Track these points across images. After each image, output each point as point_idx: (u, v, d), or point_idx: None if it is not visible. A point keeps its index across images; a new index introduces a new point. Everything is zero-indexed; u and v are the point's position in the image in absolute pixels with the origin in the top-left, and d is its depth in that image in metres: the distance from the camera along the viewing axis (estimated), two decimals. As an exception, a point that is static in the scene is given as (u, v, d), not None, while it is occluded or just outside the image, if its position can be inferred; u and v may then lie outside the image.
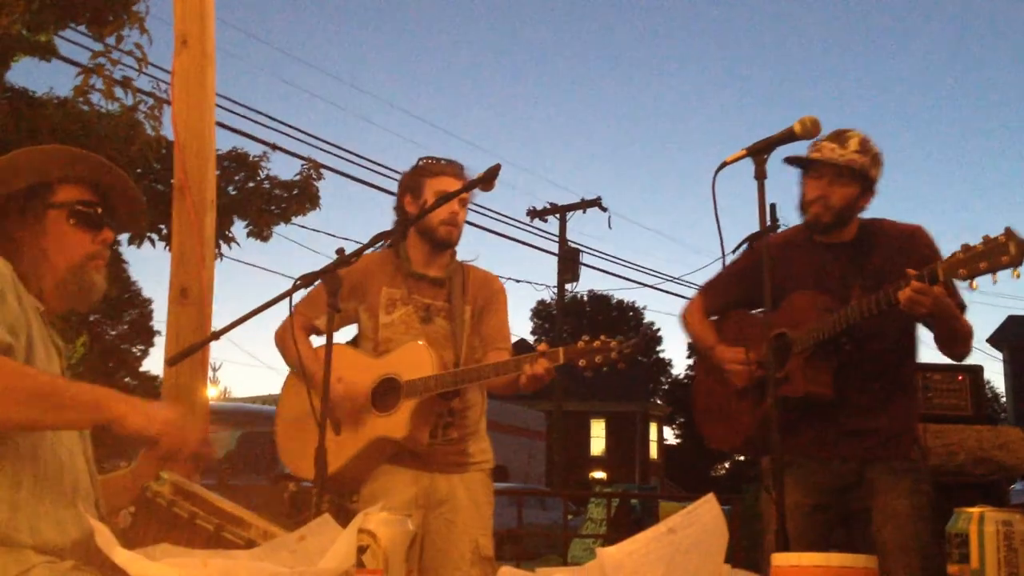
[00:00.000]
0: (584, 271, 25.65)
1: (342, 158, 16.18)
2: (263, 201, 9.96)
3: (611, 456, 39.80)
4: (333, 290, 2.50)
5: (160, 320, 26.93)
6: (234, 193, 9.87)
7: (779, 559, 1.39)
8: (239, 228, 9.89)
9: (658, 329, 43.25)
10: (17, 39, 7.67)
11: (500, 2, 77.48)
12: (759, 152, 2.33)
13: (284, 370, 3.31)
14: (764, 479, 2.47)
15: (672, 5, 77.60)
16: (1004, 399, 35.13)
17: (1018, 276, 2.36)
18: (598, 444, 40.77)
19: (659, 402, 43.96)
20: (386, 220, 3.33)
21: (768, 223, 2.37)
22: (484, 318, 3.25)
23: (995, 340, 31.12)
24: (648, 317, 45.81)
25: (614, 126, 79.71)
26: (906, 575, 2.79)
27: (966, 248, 2.47)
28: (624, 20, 76.82)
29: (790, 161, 2.96)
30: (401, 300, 3.19)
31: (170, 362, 3.37)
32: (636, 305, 46.61)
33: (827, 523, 2.98)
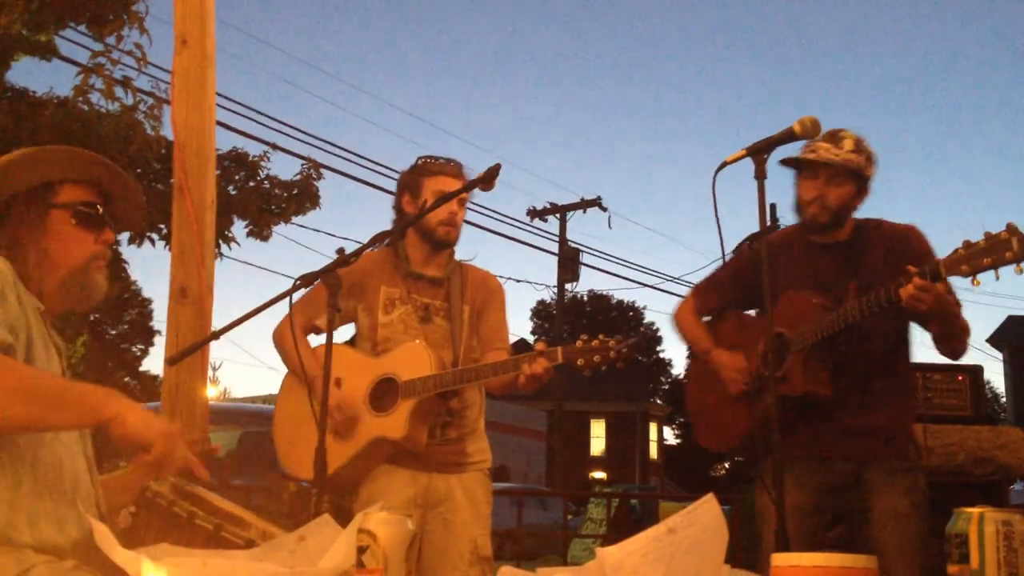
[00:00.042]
0: (584, 271, 25.72)
1: (342, 158, 16.20)
2: (263, 201, 9.96)
3: (611, 456, 39.80)
4: (333, 290, 2.50)
5: (160, 320, 26.98)
6: (234, 193, 9.87)
7: (779, 559, 1.39)
8: (239, 228, 9.89)
9: (658, 329, 43.24)
10: (17, 39, 7.67)
11: (500, 2, 77.51)
12: (759, 152, 2.33)
13: (284, 370, 3.31)
14: (764, 479, 2.46)
15: (672, 5, 77.63)
16: (1004, 399, 35.13)
17: (1021, 271, 2.36)
18: (598, 444, 40.77)
19: (659, 402, 43.94)
20: (386, 220, 3.33)
21: (768, 223, 2.37)
22: (483, 318, 3.25)
23: (995, 340, 31.12)
24: (648, 317, 45.80)
25: (614, 126, 79.75)
26: (905, 575, 2.79)
27: (967, 244, 2.47)
28: (624, 20, 76.87)
29: (786, 163, 2.97)
30: (400, 300, 3.19)
31: (170, 362, 3.37)
32: (636, 305, 46.64)
33: (825, 523, 2.99)
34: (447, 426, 3.16)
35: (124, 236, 8.86)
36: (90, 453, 1.92)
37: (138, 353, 31.44)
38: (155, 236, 9.03)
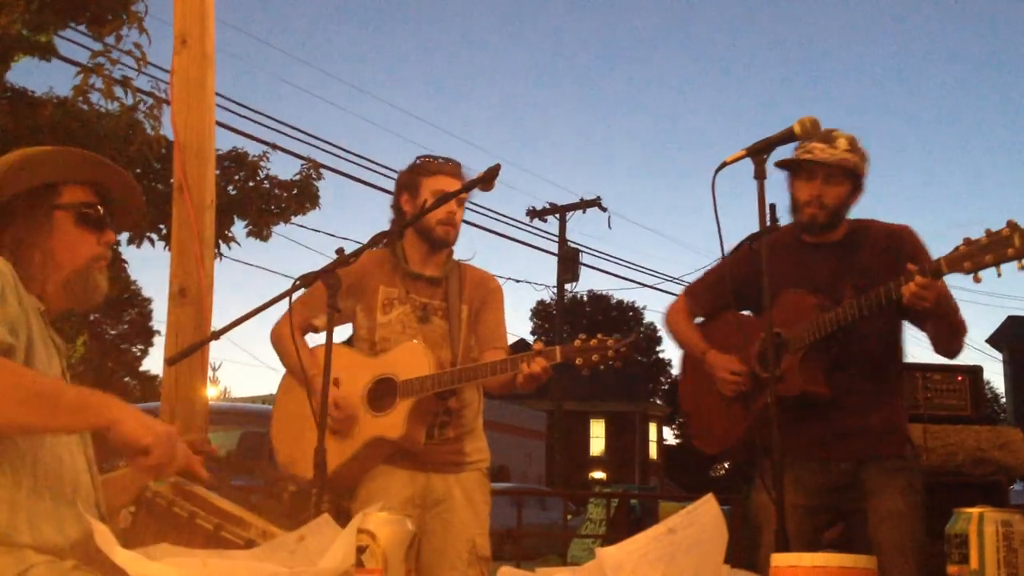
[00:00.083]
0: (584, 271, 25.70)
1: (342, 158, 16.17)
2: (263, 201, 9.97)
3: (611, 456, 39.80)
4: (333, 290, 2.49)
5: (160, 320, 27.01)
6: (234, 193, 9.87)
7: (778, 559, 1.39)
8: (239, 228, 9.90)
9: (657, 329, 43.22)
10: (17, 39, 7.67)
11: (500, 2, 77.51)
12: (759, 152, 2.33)
13: (284, 370, 3.31)
14: (763, 479, 2.46)
15: (672, 5, 77.63)
16: (1004, 399, 35.13)
17: (1022, 268, 2.36)
18: (598, 444, 40.78)
19: (659, 402, 43.95)
20: (386, 220, 3.33)
21: (768, 223, 2.37)
22: (481, 317, 3.25)
23: (995, 340, 31.10)
24: (648, 317, 45.79)
25: (614, 126, 79.76)
26: (904, 574, 2.79)
27: (968, 242, 2.47)
28: (624, 20, 76.88)
29: (782, 164, 2.96)
30: (398, 299, 3.19)
31: (170, 362, 3.37)
32: (636, 305, 46.63)
33: (822, 523, 2.99)
34: (445, 426, 3.15)
35: (124, 236, 8.87)
36: (90, 453, 1.92)
37: (138, 353, 31.47)
38: (155, 236, 9.03)
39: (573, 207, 23.95)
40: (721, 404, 3.11)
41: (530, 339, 36.89)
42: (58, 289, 1.93)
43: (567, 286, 24.42)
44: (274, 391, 3.39)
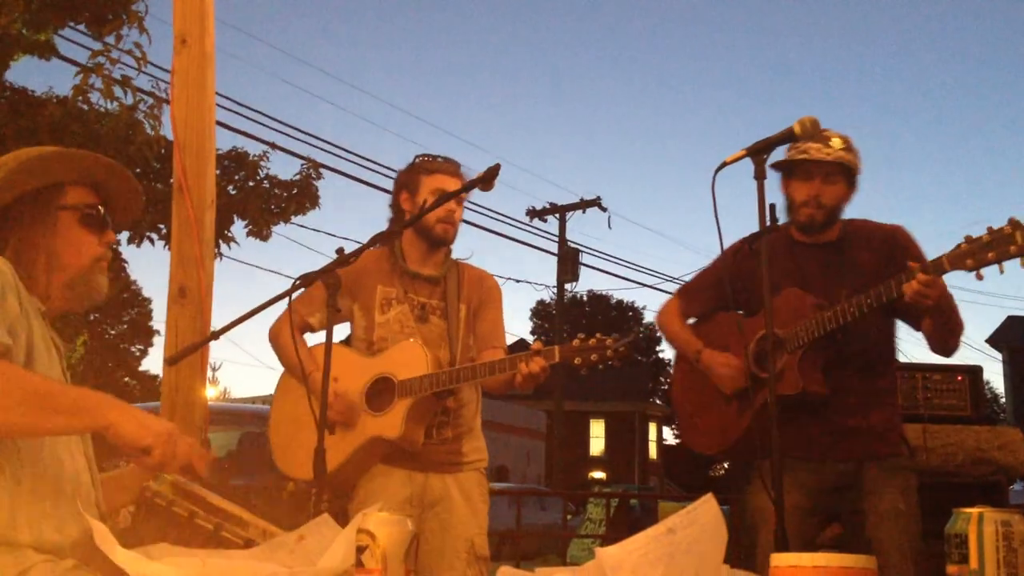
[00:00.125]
0: (584, 271, 25.69)
1: (342, 158, 16.21)
2: (263, 201, 9.96)
3: (610, 456, 39.79)
4: (333, 290, 2.49)
5: (159, 319, 27.00)
6: (234, 193, 9.87)
7: (778, 559, 1.39)
8: (239, 228, 9.89)
9: (657, 329, 43.15)
10: (17, 38, 7.66)
11: (500, 2, 77.47)
12: (759, 152, 2.33)
13: (283, 370, 3.30)
14: (763, 480, 2.45)
15: (672, 5, 77.59)
16: (1003, 399, 35.13)
17: None
18: (597, 444, 40.77)
19: (658, 402, 43.93)
20: (386, 220, 3.33)
21: (768, 223, 2.37)
22: (479, 316, 3.25)
23: (994, 341, 31.11)
24: (648, 317, 45.74)
25: (614, 126, 79.74)
26: (903, 574, 2.79)
27: (970, 240, 2.48)
28: (624, 20, 76.85)
29: (780, 165, 2.96)
30: (396, 299, 3.19)
31: (169, 361, 3.37)
32: (636, 305, 46.67)
33: (819, 524, 2.99)
34: (443, 426, 3.15)
35: (124, 236, 8.87)
36: (90, 453, 1.92)
37: (137, 353, 31.48)
38: (155, 236, 9.03)
39: (573, 207, 23.94)
40: (717, 404, 3.10)
41: (530, 339, 36.89)
42: (61, 289, 1.94)
43: (567, 286, 24.40)
44: (273, 391, 3.39)
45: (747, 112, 76.62)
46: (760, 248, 2.37)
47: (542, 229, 23.34)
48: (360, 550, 1.52)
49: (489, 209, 22.22)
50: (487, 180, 2.59)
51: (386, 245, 3.23)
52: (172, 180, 3.76)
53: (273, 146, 10.61)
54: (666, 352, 46.83)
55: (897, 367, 4.66)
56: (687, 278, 3.57)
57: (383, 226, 3.26)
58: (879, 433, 2.95)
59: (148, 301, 30.33)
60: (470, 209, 18.19)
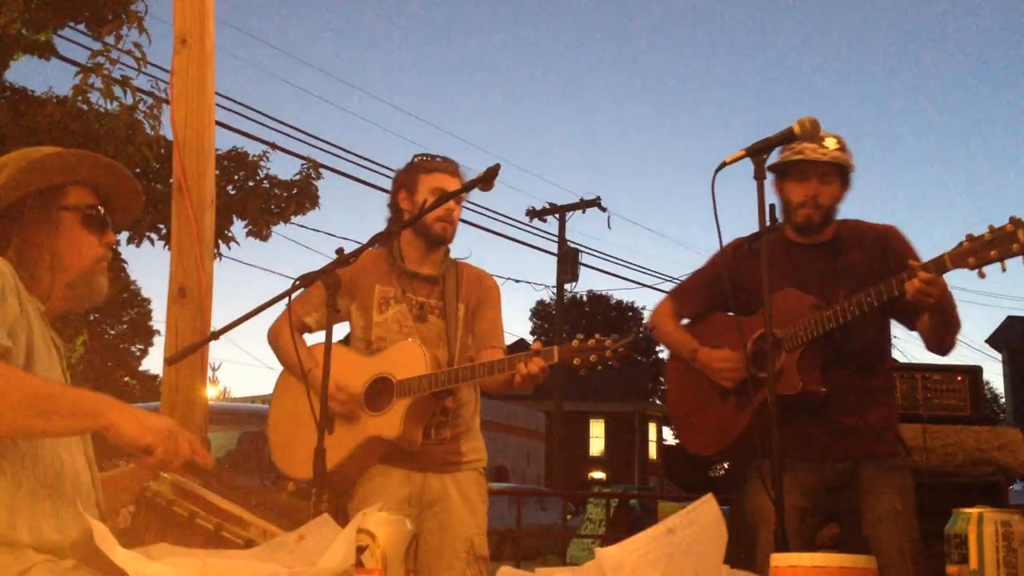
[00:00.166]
0: (583, 271, 25.68)
1: (342, 158, 16.20)
2: (262, 201, 9.96)
3: (610, 456, 39.78)
4: (332, 290, 2.49)
5: (159, 319, 26.99)
6: (233, 193, 9.87)
7: (778, 559, 1.39)
8: (238, 228, 9.90)
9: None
10: (16, 38, 7.67)
11: (500, 2, 77.48)
12: (758, 152, 2.32)
13: (282, 369, 3.31)
14: (763, 480, 2.45)
15: (672, 5, 77.60)
16: (1003, 400, 35.13)
17: None
18: (597, 444, 40.76)
19: (658, 402, 43.88)
20: (385, 220, 3.33)
21: (768, 223, 2.37)
22: (478, 316, 3.24)
23: (994, 341, 31.12)
24: (647, 317, 45.75)
25: (614, 126, 79.76)
26: (902, 573, 2.80)
27: (971, 238, 2.49)
28: (624, 20, 76.84)
29: (778, 167, 2.95)
30: (395, 298, 3.19)
31: (169, 361, 3.37)
32: (635, 305, 46.65)
33: (817, 524, 2.99)
34: (442, 426, 3.15)
35: (124, 236, 8.87)
36: (90, 453, 1.92)
37: (137, 353, 31.46)
38: (154, 236, 9.03)
39: (573, 207, 23.93)
40: (713, 404, 3.09)
41: (530, 339, 36.92)
42: (63, 290, 1.94)
43: (567, 286, 24.39)
44: (272, 391, 3.39)
45: (747, 112, 76.67)
46: (760, 248, 2.37)
47: (542, 229, 23.37)
48: (360, 550, 1.52)
49: (489, 209, 22.25)
50: (487, 180, 2.59)
51: (385, 245, 3.23)
52: (172, 180, 3.76)
53: (273, 146, 10.62)
54: (666, 352, 46.80)
55: (896, 367, 4.67)
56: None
57: (383, 226, 3.26)
58: (877, 432, 2.96)
59: (148, 301, 30.33)
60: (470, 209, 18.20)
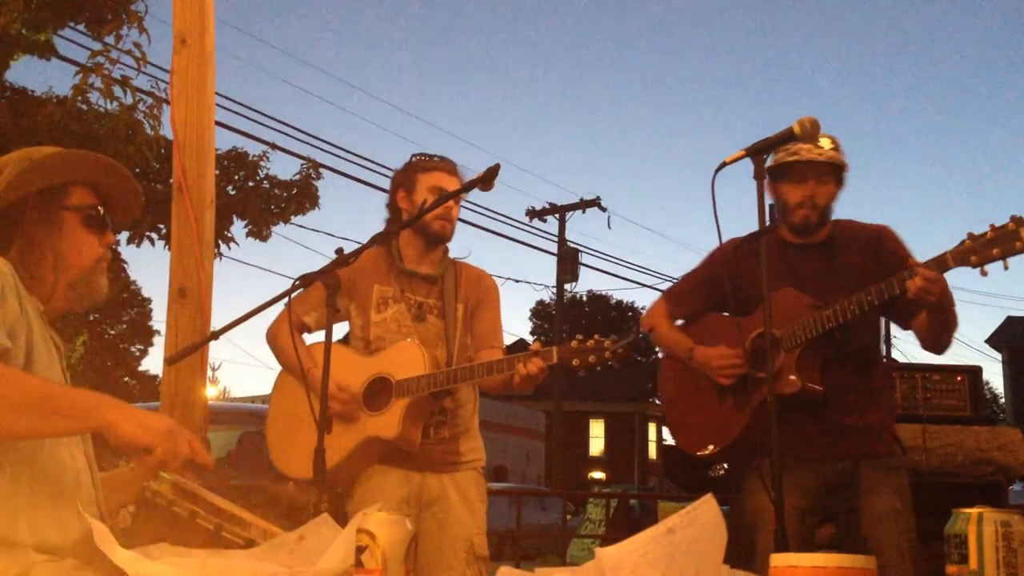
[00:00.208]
0: (583, 271, 25.68)
1: (342, 158, 16.19)
2: (262, 201, 9.96)
3: (610, 456, 39.76)
4: (332, 291, 2.49)
5: (159, 319, 27.00)
6: (233, 193, 9.87)
7: (777, 559, 1.39)
8: (238, 228, 9.90)
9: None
10: (16, 38, 7.67)
11: (500, 2, 77.48)
12: (758, 152, 2.32)
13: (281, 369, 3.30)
14: (763, 480, 2.44)
15: (672, 5, 77.59)
16: (1003, 400, 35.14)
17: None
18: (597, 444, 40.74)
19: (658, 402, 43.86)
20: (383, 221, 3.33)
21: (768, 223, 2.37)
22: (477, 316, 3.24)
23: (994, 341, 31.13)
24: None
25: (614, 126, 79.77)
26: (901, 573, 2.80)
27: (973, 237, 2.49)
28: (624, 20, 76.84)
29: (777, 168, 2.94)
30: (393, 298, 3.19)
31: (169, 361, 3.37)
32: (635, 305, 46.60)
33: (815, 524, 2.99)
34: (440, 425, 3.14)
35: (124, 236, 8.87)
36: (90, 452, 1.92)
37: (137, 353, 31.45)
38: (154, 236, 9.03)
39: (573, 207, 23.93)
40: (711, 404, 3.08)
41: (530, 339, 36.93)
42: (64, 290, 1.95)
43: (567, 286, 24.40)
44: (271, 391, 3.39)
45: (747, 112, 76.67)
46: (759, 248, 2.37)
47: (542, 229, 23.37)
48: (360, 550, 1.52)
49: (489, 209, 22.24)
50: (487, 180, 2.58)
51: (383, 244, 3.23)
52: (172, 180, 3.76)
53: (273, 146, 10.62)
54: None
55: (896, 367, 4.67)
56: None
57: (382, 226, 3.27)
58: (876, 432, 2.96)
59: (148, 301, 30.31)
60: (470, 209, 18.21)
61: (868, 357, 3.01)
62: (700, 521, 1.51)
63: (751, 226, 2.37)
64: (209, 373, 4.25)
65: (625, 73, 78.46)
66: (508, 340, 3.36)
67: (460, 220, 3.29)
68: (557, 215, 23.88)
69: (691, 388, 3.14)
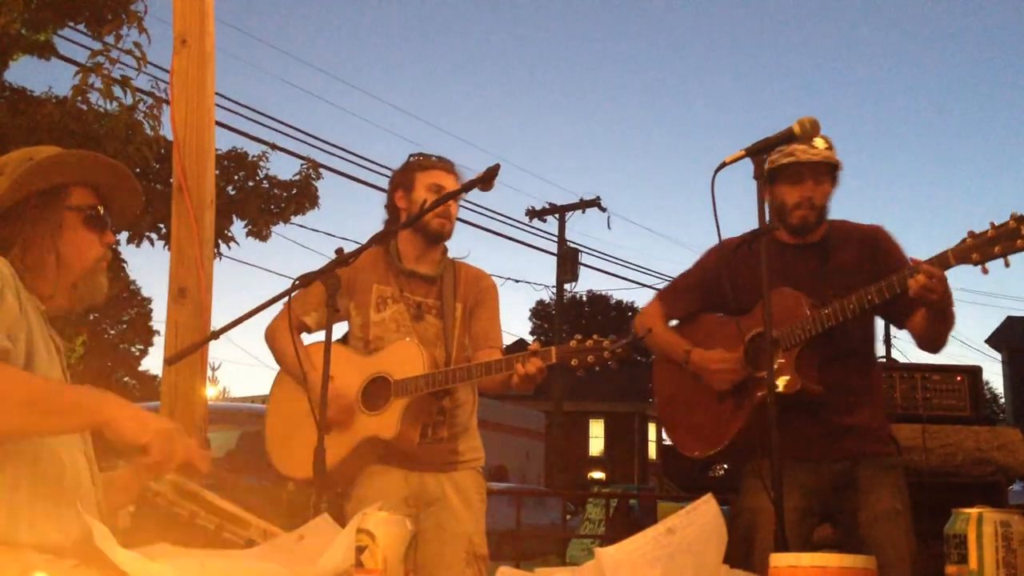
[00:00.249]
0: (583, 271, 25.67)
1: (342, 158, 16.22)
2: (262, 201, 9.97)
3: (610, 456, 39.75)
4: (332, 290, 2.49)
5: (159, 319, 26.98)
6: (233, 193, 9.88)
7: (777, 559, 1.39)
8: (238, 228, 9.91)
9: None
10: (16, 38, 7.67)
11: (500, 3, 77.48)
12: (758, 152, 2.32)
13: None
14: (763, 480, 2.44)
15: (672, 5, 77.59)
16: (1003, 400, 35.14)
17: None
18: (597, 444, 40.73)
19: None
20: (382, 221, 3.33)
21: (768, 223, 2.36)
22: (475, 316, 3.25)
23: (994, 341, 31.13)
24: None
25: (614, 126, 79.77)
26: (900, 571, 2.80)
27: (973, 235, 2.50)
28: (624, 20, 76.82)
29: (776, 170, 2.94)
30: (392, 298, 3.19)
31: (169, 361, 3.37)
32: (635, 305, 46.54)
33: (814, 524, 2.99)
34: (439, 425, 3.15)
35: (124, 236, 8.87)
36: (90, 452, 1.92)
37: (137, 353, 31.42)
38: (154, 236, 9.04)
39: (572, 207, 23.93)
40: (708, 405, 3.07)
41: (529, 339, 36.93)
42: (65, 290, 1.95)
43: (566, 286, 24.39)
44: (269, 391, 3.39)
45: (747, 112, 76.67)
46: (758, 248, 2.37)
47: (541, 229, 23.37)
48: (360, 550, 1.52)
49: (489, 209, 22.23)
50: (487, 180, 2.58)
51: (382, 244, 3.23)
52: (172, 180, 3.76)
53: (273, 146, 10.62)
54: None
55: (896, 367, 4.68)
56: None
57: (382, 226, 3.27)
58: (873, 431, 2.97)
59: (148, 301, 30.28)
60: (470, 209, 18.22)
61: (863, 357, 3.02)
62: (700, 521, 1.51)
63: (751, 226, 2.37)
64: (209, 373, 4.26)
65: (625, 73, 78.50)
66: (508, 340, 3.37)
67: (460, 220, 3.29)
68: (557, 215, 23.89)
69: (688, 390, 3.13)
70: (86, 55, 7.30)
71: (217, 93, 3.78)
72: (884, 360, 5.29)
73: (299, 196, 10.15)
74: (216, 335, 2.74)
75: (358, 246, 2.65)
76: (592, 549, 2.93)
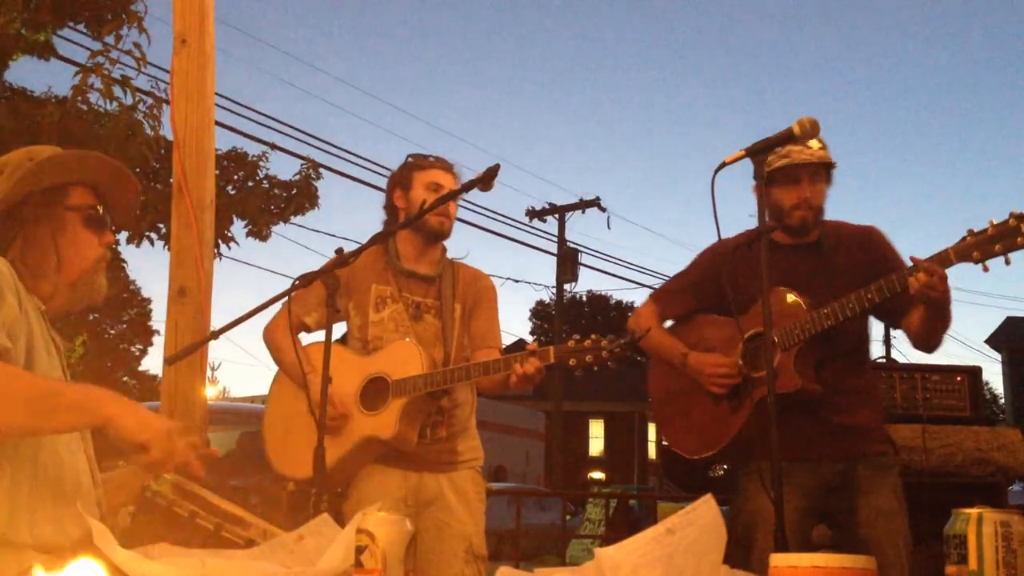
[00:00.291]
0: (583, 271, 25.68)
1: (342, 158, 16.21)
2: (262, 201, 9.95)
3: (610, 456, 39.76)
4: (332, 290, 2.49)
5: (159, 319, 26.99)
6: (233, 193, 9.87)
7: (777, 559, 1.39)
8: (238, 228, 9.89)
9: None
10: (16, 38, 7.66)
11: (500, 3, 77.48)
12: (758, 152, 2.32)
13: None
14: (763, 480, 2.44)
15: (672, 5, 77.60)
16: (1003, 400, 35.15)
17: None
18: (596, 444, 40.74)
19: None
20: (381, 222, 3.34)
21: (768, 223, 2.36)
22: (474, 316, 3.25)
23: (994, 341, 31.15)
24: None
25: (614, 126, 79.76)
26: (899, 571, 2.80)
27: (973, 233, 2.50)
28: (623, 20, 76.84)
29: (776, 172, 2.93)
30: (391, 298, 3.19)
31: (169, 361, 3.37)
32: (635, 305, 46.39)
33: (812, 524, 2.98)
34: (438, 425, 3.15)
35: (123, 235, 8.87)
36: (91, 452, 1.93)
37: (137, 353, 31.46)
38: (154, 236, 9.02)
39: (572, 207, 23.93)
40: (705, 407, 3.06)
41: (529, 339, 36.92)
42: (65, 290, 1.95)
43: (566, 286, 24.39)
44: (268, 391, 3.39)
45: (747, 112, 76.69)
46: (757, 249, 2.37)
47: (541, 229, 23.37)
48: (360, 550, 1.52)
49: (488, 209, 22.24)
50: (486, 180, 2.58)
51: (381, 244, 3.23)
52: (172, 180, 3.76)
53: (273, 146, 10.61)
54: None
55: (896, 367, 4.67)
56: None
57: (381, 226, 3.27)
58: (871, 431, 2.97)
59: (148, 301, 30.32)
60: (469, 209, 18.23)
61: (860, 357, 3.02)
62: (699, 521, 1.51)
63: (751, 226, 2.37)
64: (209, 373, 4.25)
65: (625, 73, 78.51)
66: (507, 340, 3.37)
67: (459, 220, 3.30)
68: (557, 215, 23.89)
69: (686, 391, 3.13)
70: (86, 55, 7.30)
71: (217, 93, 3.78)
72: (884, 360, 5.29)
73: (299, 196, 10.13)
74: (216, 335, 2.74)
75: (358, 246, 2.64)
76: (592, 549, 2.93)
